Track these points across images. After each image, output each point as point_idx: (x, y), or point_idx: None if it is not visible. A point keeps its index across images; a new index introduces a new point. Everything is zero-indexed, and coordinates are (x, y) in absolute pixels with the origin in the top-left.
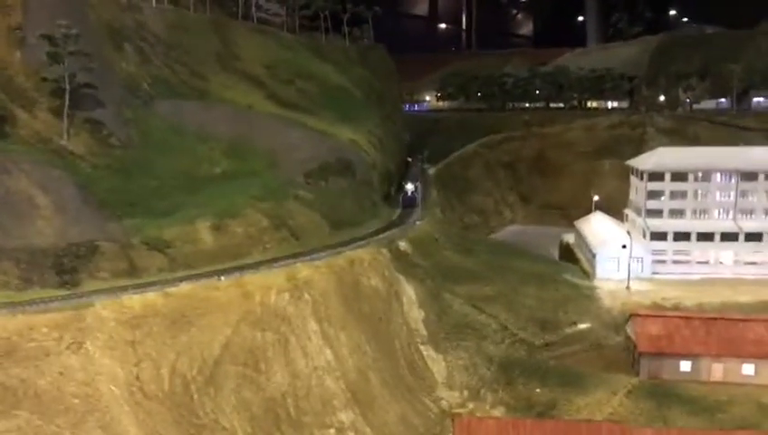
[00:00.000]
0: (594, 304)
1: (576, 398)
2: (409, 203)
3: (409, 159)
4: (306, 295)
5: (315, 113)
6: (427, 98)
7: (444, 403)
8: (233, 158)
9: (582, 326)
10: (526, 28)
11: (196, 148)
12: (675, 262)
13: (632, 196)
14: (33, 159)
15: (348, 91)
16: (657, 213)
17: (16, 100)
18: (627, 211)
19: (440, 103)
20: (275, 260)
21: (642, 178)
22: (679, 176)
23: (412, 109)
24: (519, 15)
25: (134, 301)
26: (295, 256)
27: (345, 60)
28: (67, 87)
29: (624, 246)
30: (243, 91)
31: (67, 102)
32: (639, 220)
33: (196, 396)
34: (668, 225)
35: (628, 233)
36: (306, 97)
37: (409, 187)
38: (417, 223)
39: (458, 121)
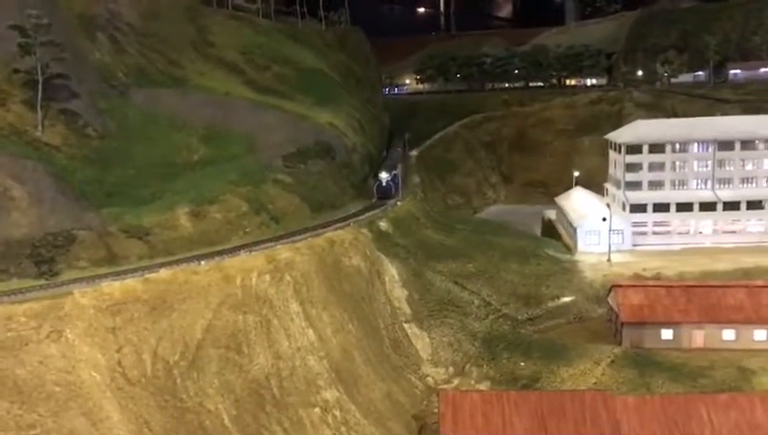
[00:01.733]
0: (576, 277)
1: (560, 369)
2: (384, 193)
3: (390, 143)
4: (287, 277)
5: (293, 98)
6: (407, 81)
7: (429, 380)
8: (210, 144)
9: (565, 299)
10: (505, 10)
11: (173, 135)
12: (655, 233)
13: (611, 170)
14: (6, 152)
15: (325, 75)
16: (636, 185)
17: None
18: (606, 185)
19: (420, 86)
20: (255, 244)
21: (620, 152)
22: (657, 148)
23: (392, 92)
24: None
25: (113, 288)
26: (275, 239)
27: (322, 44)
28: (40, 78)
29: (604, 219)
30: (219, 78)
31: (40, 94)
32: (619, 193)
33: (179, 380)
34: (647, 197)
35: (608, 206)
36: (283, 82)
37: (383, 175)
38: (399, 203)
39: (438, 103)
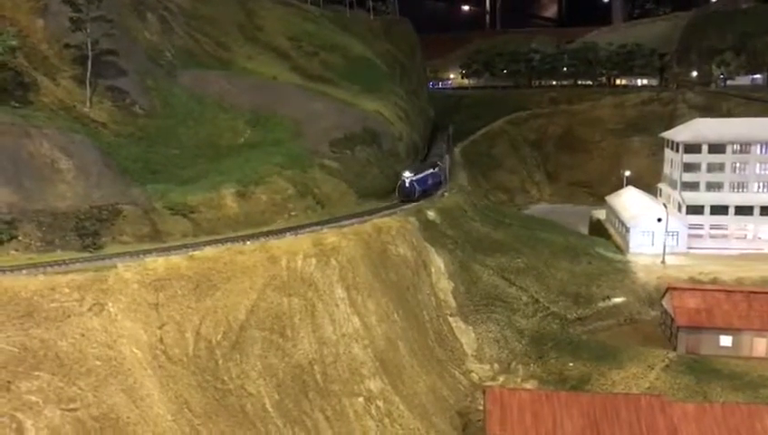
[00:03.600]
0: (628, 278)
1: (610, 372)
2: (407, 194)
3: (433, 136)
4: (333, 261)
5: (339, 85)
6: (451, 75)
7: (474, 376)
8: (256, 127)
9: (616, 300)
10: (550, 10)
11: (220, 117)
12: (711, 237)
13: (666, 169)
14: (55, 125)
15: (372, 64)
16: (693, 186)
17: (39, 67)
18: (660, 185)
19: (465, 81)
20: (301, 226)
21: (678, 151)
22: (717, 148)
23: (436, 86)
24: None
25: (158, 263)
26: (321, 223)
27: (369, 33)
28: (89, 54)
29: (659, 220)
30: (266, 63)
31: (89, 70)
32: (675, 194)
33: (221, 361)
34: (705, 198)
35: (665, 206)
36: (330, 69)
37: (407, 175)
38: (446, 194)
39: (483, 99)
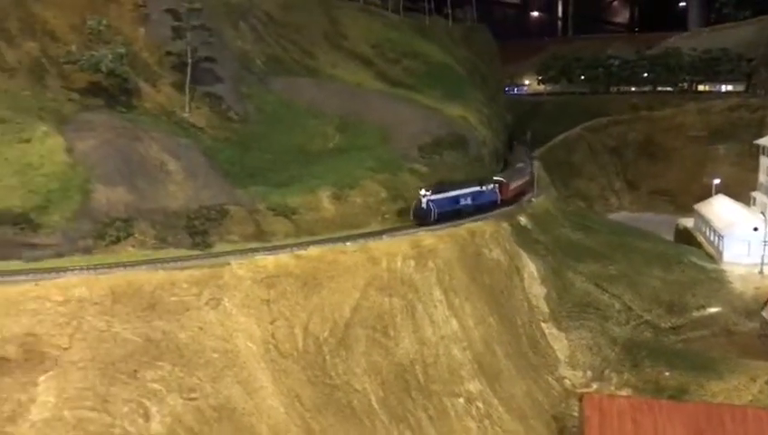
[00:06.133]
0: (724, 287)
1: (709, 383)
2: (423, 217)
3: (511, 143)
4: (431, 263)
5: (422, 91)
6: (526, 81)
7: (567, 382)
8: (345, 133)
9: (712, 310)
10: (622, 16)
11: (310, 123)
12: None
13: (762, 177)
14: (161, 129)
15: (453, 70)
16: None
17: (141, 74)
18: (755, 194)
19: (540, 87)
20: (397, 229)
21: None
22: None
23: (511, 92)
24: (615, 3)
25: (267, 261)
26: (416, 225)
27: (449, 40)
28: (189, 61)
29: (756, 229)
30: (351, 70)
31: (189, 76)
32: None
33: (328, 357)
34: None
35: (763, 214)
36: (412, 75)
37: (424, 194)
38: (534, 200)
39: (559, 105)
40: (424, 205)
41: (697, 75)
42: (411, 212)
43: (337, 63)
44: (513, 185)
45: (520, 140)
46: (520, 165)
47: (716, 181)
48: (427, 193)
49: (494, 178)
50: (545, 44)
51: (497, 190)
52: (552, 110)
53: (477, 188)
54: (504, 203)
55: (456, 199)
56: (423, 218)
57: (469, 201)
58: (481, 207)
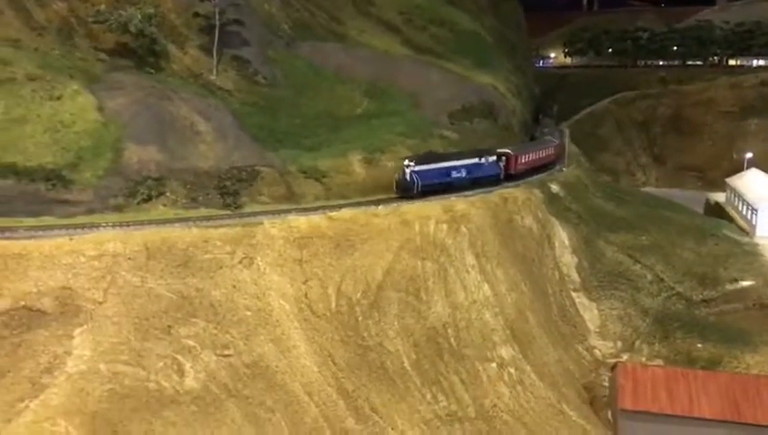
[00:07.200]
0: (758, 261)
1: (743, 355)
2: (405, 188)
3: (537, 114)
4: (463, 228)
5: (450, 59)
6: (552, 54)
7: (597, 352)
8: (374, 98)
9: (745, 284)
10: None
11: (338, 88)
12: None
13: None
14: (191, 90)
15: (481, 38)
16: None
17: (169, 36)
18: None
19: (567, 60)
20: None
21: None
22: None
23: (537, 64)
24: None
25: (300, 222)
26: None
27: (476, 8)
28: (217, 23)
29: None
30: (378, 36)
31: (216, 39)
32: None
33: (360, 318)
34: None
35: None
36: (440, 43)
37: (407, 165)
38: (564, 169)
39: (586, 78)
40: (407, 176)
41: (729, 49)
42: (395, 183)
43: (364, 30)
44: (525, 158)
45: (546, 112)
46: (543, 137)
47: (749, 155)
48: (411, 163)
49: (499, 150)
50: (572, 17)
51: (500, 164)
52: (579, 83)
53: (474, 160)
54: (512, 178)
55: (446, 172)
56: (405, 191)
57: (463, 174)
58: (478, 182)
